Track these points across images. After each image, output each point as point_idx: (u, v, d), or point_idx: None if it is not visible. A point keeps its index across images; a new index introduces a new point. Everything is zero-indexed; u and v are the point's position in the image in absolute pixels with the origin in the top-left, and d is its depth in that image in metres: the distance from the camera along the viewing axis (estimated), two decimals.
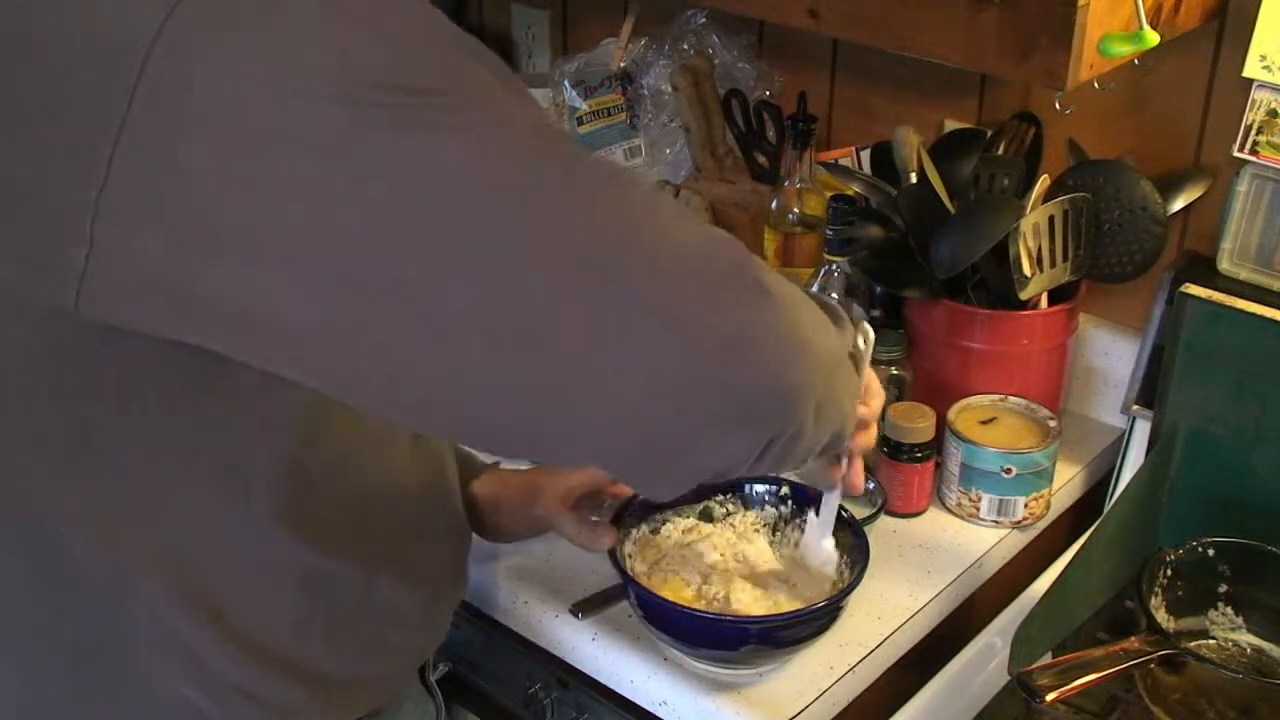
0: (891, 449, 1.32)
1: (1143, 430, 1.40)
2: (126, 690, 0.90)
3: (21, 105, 0.68)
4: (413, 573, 1.01)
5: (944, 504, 1.37)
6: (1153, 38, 1.13)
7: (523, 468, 1.23)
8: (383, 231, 0.67)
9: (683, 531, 1.21)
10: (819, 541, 1.16)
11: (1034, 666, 1.09)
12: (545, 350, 0.70)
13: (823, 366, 0.82)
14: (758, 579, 1.17)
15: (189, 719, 0.91)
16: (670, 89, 1.70)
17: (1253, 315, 1.25)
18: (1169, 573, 1.23)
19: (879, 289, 1.45)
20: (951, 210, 1.37)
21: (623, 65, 1.78)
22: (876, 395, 1.05)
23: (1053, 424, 1.34)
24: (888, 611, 1.23)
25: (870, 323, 1.41)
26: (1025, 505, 1.33)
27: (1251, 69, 1.27)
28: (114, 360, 0.77)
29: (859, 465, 1.07)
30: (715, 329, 0.73)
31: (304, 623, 0.93)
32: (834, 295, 1.42)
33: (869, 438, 1.05)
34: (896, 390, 1.40)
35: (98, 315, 0.72)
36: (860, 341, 1.01)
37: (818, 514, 1.16)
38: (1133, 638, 1.12)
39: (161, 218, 0.68)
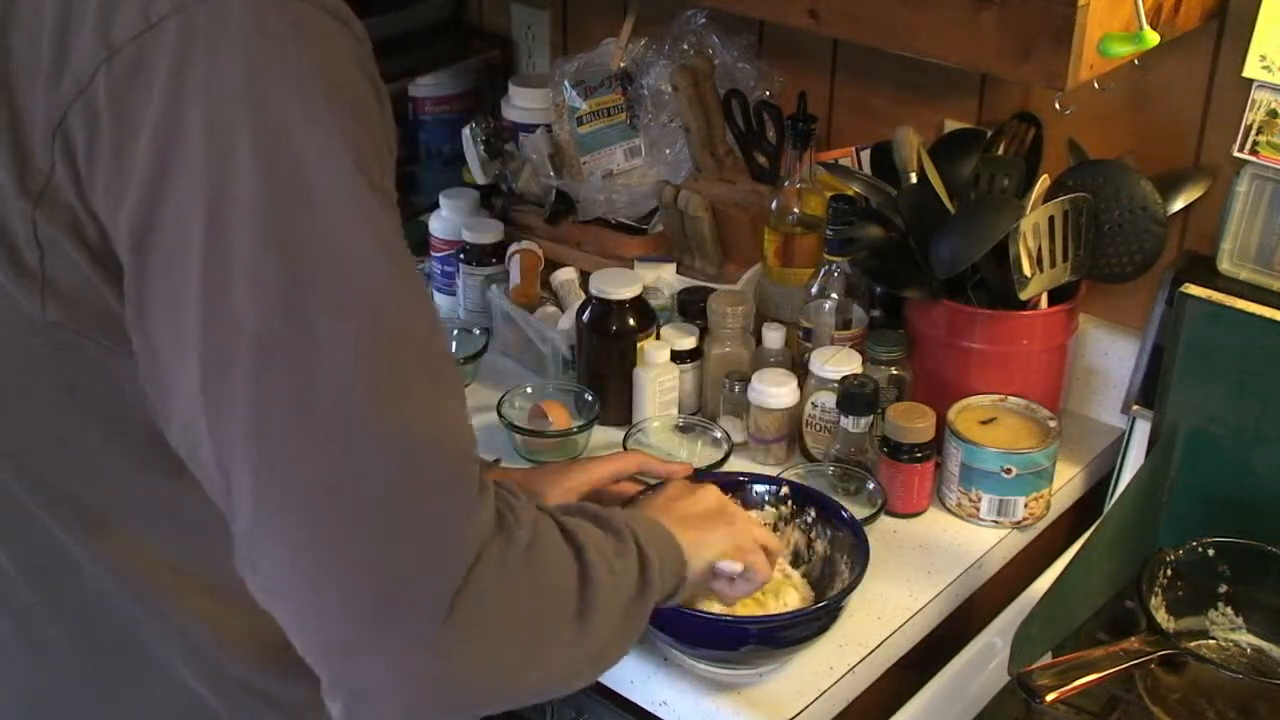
0: (891, 449, 1.32)
1: (1143, 430, 1.40)
2: (136, 688, 0.90)
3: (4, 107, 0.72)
4: None
5: (944, 504, 1.37)
6: (1153, 38, 1.13)
7: (523, 466, 1.22)
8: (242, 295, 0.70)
9: None
10: None
11: (1034, 666, 1.09)
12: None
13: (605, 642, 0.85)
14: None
15: (199, 716, 0.91)
16: (670, 89, 1.69)
17: (1253, 315, 1.25)
18: (1169, 573, 1.23)
19: (879, 289, 1.45)
20: (951, 210, 1.37)
21: (623, 65, 1.77)
22: (751, 573, 1.06)
23: (1053, 424, 1.34)
24: (888, 611, 1.23)
25: (870, 323, 1.43)
26: (1025, 505, 1.33)
27: (1251, 69, 1.27)
28: (106, 361, 0.78)
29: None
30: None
31: None
32: (833, 296, 1.42)
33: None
34: (896, 390, 1.40)
35: (64, 320, 0.76)
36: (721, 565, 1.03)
37: None
38: (1133, 638, 1.12)
39: (86, 233, 0.72)
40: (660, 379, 1.42)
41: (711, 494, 1.09)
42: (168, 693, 0.90)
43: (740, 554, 1.03)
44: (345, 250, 0.70)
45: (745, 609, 1.12)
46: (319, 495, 0.71)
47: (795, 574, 1.19)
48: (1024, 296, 1.33)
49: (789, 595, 1.16)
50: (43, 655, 0.90)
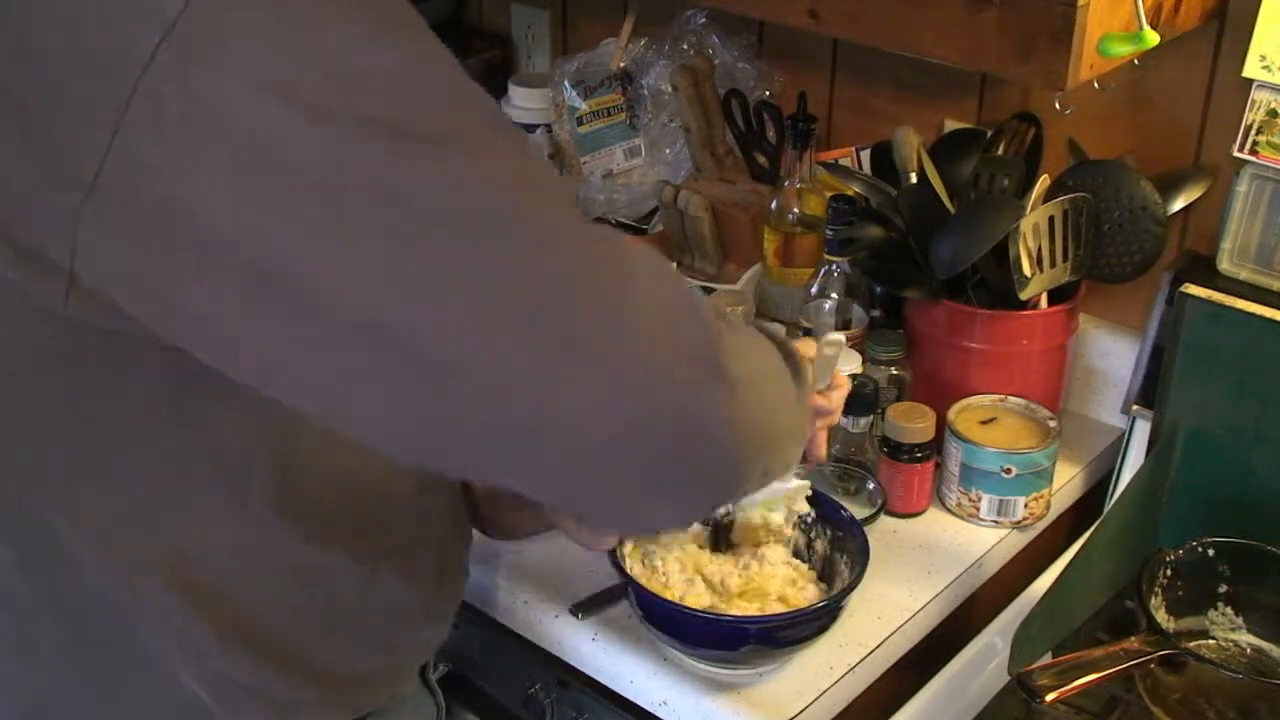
0: (891, 449, 1.32)
1: (1143, 430, 1.40)
2: (132, 687, 0.90)
3: (18, 104, 0.69)
4: (413, 568, 1.01)
5: (944, 504, 1.37)
6: (1153, 38, 1.13)
7: None
8: (351, 262, 0.67)
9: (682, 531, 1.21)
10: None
11: (1034, 666, 1.09)
12: (484, 391, 0.70)
13: (771, 446, 0.83)
14: (752, 580, 1.17)
15: (194, 714, 0.91)
16: (670, 89, 1.70)
17: (1253, 315, 1.25)
18: (1169, 573, 1.23)
19: (879, 289, 1.45)
20: (951, 210, 1.37)
21: (623, 65, 1.78)
22: (839, 387, 1.10)
23: (1053, 424, 1.34)
24: (888, 611, 1.23)
25: (870, 323, 1.43)
26: (1025, 505, 1.33)
27: (1251, 69, 1.27)
28: (113, 359, 0.78)
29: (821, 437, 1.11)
30: (664, 404, 0.73)
31: (305, 618, 0.93)
32: (833, 296, 1.42)
33: (826, 421, 1.10)
34: (896, 390, 1.40)
35: (87, 316, 0.73)
36: (827, 350, 1.07)
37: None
38: (1133, 638, 1.12)
39: (144, 229, 0.68)
40: None
41: None
42: (165, 691, 0.90)
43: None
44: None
45: (742, 609, 1.12)
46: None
47: (804, 566, 1.19)
48: (1024, 296, 1.33)
49: (808, 590, 1.16)
50: (39, 654, 0.90)
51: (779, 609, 1.13)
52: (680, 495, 0.78)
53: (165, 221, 0.68)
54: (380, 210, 0.67)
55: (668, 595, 1.13)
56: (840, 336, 1.11)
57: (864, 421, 1.34)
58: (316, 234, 0.67)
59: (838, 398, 1.10)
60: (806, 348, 1.08)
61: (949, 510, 1.36)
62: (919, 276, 1.38)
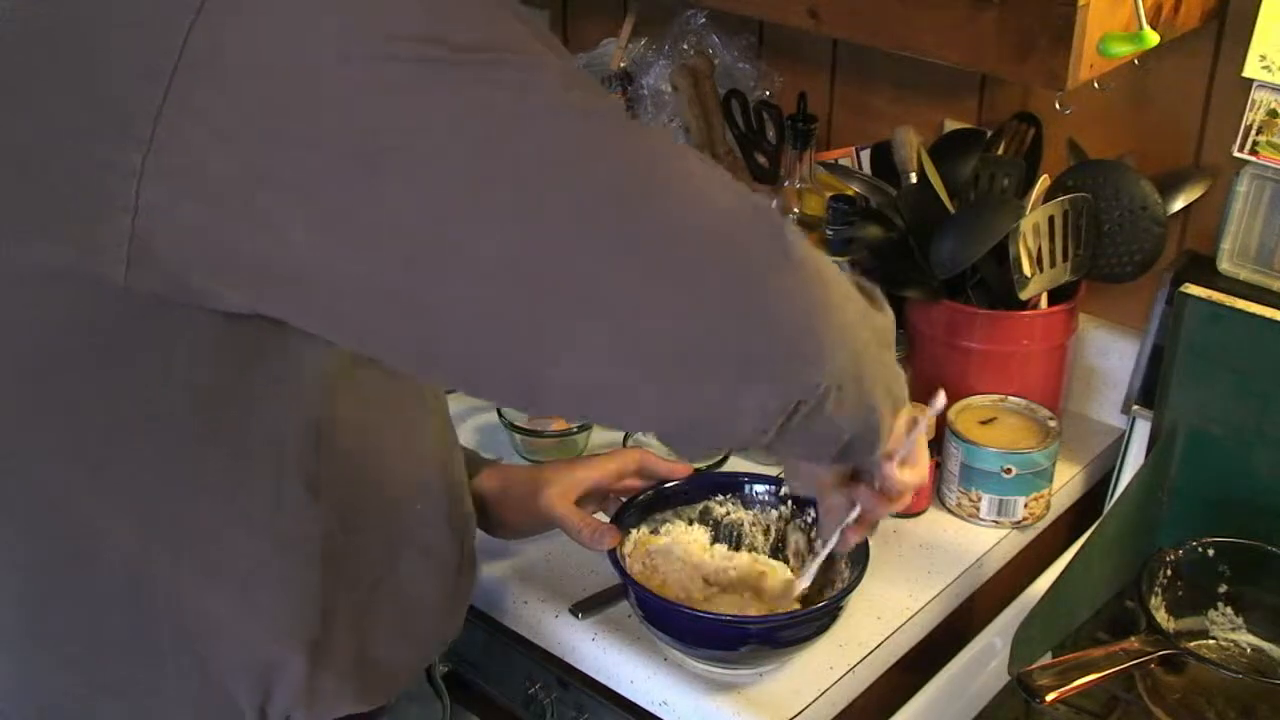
0: None
1: (1143, 430, 1.40)
2: (152, 673, 0.91)
3: (62, 71, 0.68)
4: (429, 557, 1.01)
5: (944, 504, 1.37)
6: (1153, 38, 1.13)
7: (524, 465, 1.22)
8: (426, 187, 0.68)
9: (683, 531, 1.21)
10: (802, 573, 1.14)
11: (1034, 666, 1.09)
12: (565, 300, 0.71)
13: (849, 339, 0.82)
14: (752, 581, 1.17)
15: (218, 706, 0.91)
16: (670, 89, 1.70)
17: (1253, 315, 1.25)
18: (1169, 573, 1.23)
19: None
20: (951, 210, 1.37)
21: (623, 65, 1.78)
22: (918, 464, 1.04)
23: (1053, 424, 1.34)
24: (888, 611, 1.23)
25: None
26: (1025, 505, 1.33)
27: (1251, 69, 1.27)
28: (153, 336, 0.77)
29: (866, 520, 1.07)
30: (739, 289, 0.74)
31: (329, 604, 0.93)
32: None
33: (902, 490, 1.04)
34: None
35: (146, 285, 0.72)
36: (919, 415, 1.03)
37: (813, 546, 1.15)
38: (1133, 638, 1.12)
39: (208, 179, 0.68)
40: None
41: None
42: (188, 684, 0.90)
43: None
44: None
45: (741, 609, 1.12)
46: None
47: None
48: (1024, 296, 1.33)
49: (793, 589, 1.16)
50: (63, 652, 0.90)
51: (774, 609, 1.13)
52: (768, 377, 0.77)
53: (232, 172, 0.67)
54: (455, 127, 0.68)
55: (667, 594, 1.13)
56: (936, 405, 1.05)
57: None
58: (379, 165, 0.67)
59: (913, 477, 1.03)
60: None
61: (949, 510, 1.36)
62: (919, 276, 1.38)
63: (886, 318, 0.92)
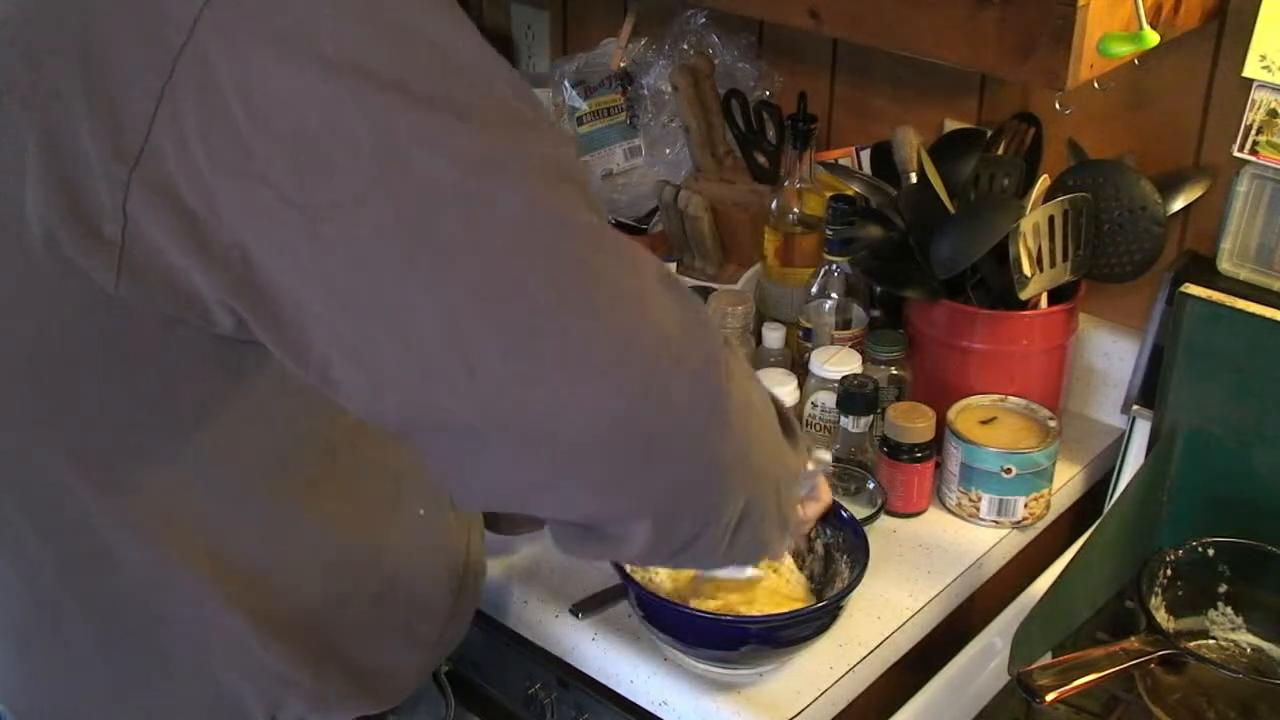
0: (891, 449, 1.32)
1: (1143, 430, 1.40)
2: (164, 678, 0.91)
3: (65, 79, 0.69)
4: (435, 560, 1.01)
5: (944, 504, 1.37)
6: (1153, 38, 1.13)
7: None
8: (365, 241, 0.67)
9: None
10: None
11: (1034, 666, 1.09)
12: (485, 383, 0.69)
13: (756, 480, 0.80)
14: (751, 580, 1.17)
15: (226, 708, 0.92)
16: (670, 89, 1.70)
17: (1253, 315, 1.25)
18: (1169, 573, 1.23)
19: (879, 289, 1.45)
20: (951, 210, 1.37)
21: (623, 65, 1.78)
22: (819, 501, 1.04)
23: (1053, 424, 1.34)
24: (888, 611, 1.23)
25: (870, 323, 1.43)
26: (1025, 505, 1.33)
27: (1251, 69, 1.27)
28: (160, 344, 0.78)
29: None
30: (654, 418, 0.71)
31: (336, 611, 0.94)
32: (834, 295, 1.42)
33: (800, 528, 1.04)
34: (896, 390, 1.40)
35: (135, 296, 0.73)
36: (809, 465, 1.00)
37: None
38: (1133, 638, 1.12)
39: (182, 197, 0.68)
40: None
41: None
42: (198, 686, 0.91)
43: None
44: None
45: (740, 609, 1.12)
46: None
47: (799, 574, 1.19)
48: (1024, 296, 1.33)
49: (797, 591, 1.16)
50: (75, 653, 0.90)
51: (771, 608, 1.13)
52: (662, 509, 0.75)
53: (208, 190, 0.68)
54: (416, 184, 0.67)
55: (666, 594, 1.13)
56: (827, 456, 1.06)
57: (864, 421, 1.34)
58: (328, 218, 0.67)
59: (813, 511, 1.04)
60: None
61: (949, 510, 1.36)
62: (919, 276, 1.38)
63: (798, 449, 0.90)
